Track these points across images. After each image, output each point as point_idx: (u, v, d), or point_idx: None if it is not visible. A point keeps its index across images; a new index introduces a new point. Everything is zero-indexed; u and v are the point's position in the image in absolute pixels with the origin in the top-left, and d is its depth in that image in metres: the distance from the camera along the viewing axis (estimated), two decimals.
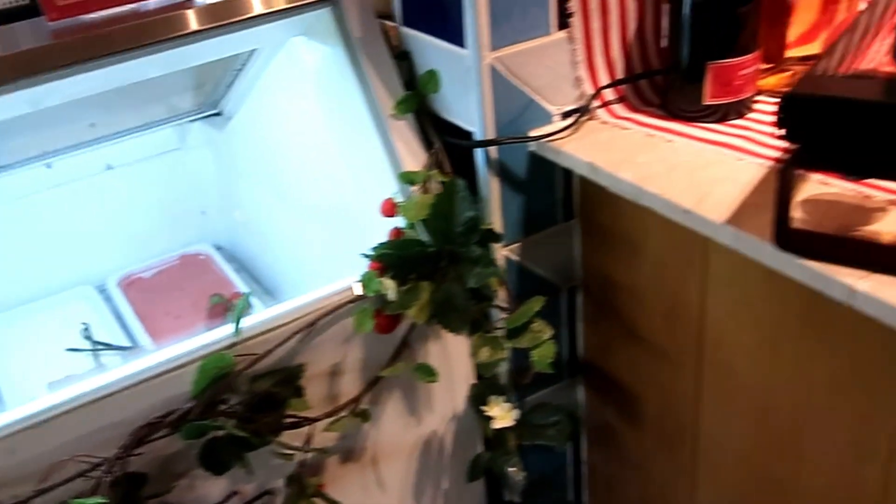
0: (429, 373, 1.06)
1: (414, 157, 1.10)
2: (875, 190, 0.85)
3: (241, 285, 1.53)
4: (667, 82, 1.06)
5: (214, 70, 1.40)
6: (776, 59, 1.08)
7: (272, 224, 1.51)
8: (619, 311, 1.14)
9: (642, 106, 1.09)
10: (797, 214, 0.85)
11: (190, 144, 1.59)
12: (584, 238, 1.16)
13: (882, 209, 0.84)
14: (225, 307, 1.47)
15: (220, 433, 0.96)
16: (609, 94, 1.09)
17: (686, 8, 1.00)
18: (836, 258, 0.78)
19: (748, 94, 1.03)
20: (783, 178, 0.77)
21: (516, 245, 1.12)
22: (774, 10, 1.05)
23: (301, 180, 1.36)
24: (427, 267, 1.03)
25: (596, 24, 1.05)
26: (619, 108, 1.08)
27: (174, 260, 1.62)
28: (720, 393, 1.04)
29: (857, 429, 0.88)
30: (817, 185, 0.87)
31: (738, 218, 0.86)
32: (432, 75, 1.09)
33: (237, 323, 0.99)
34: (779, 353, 0.94)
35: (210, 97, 1.51)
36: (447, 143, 1.09)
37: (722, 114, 1.03)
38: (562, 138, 1.04)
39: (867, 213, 0.84)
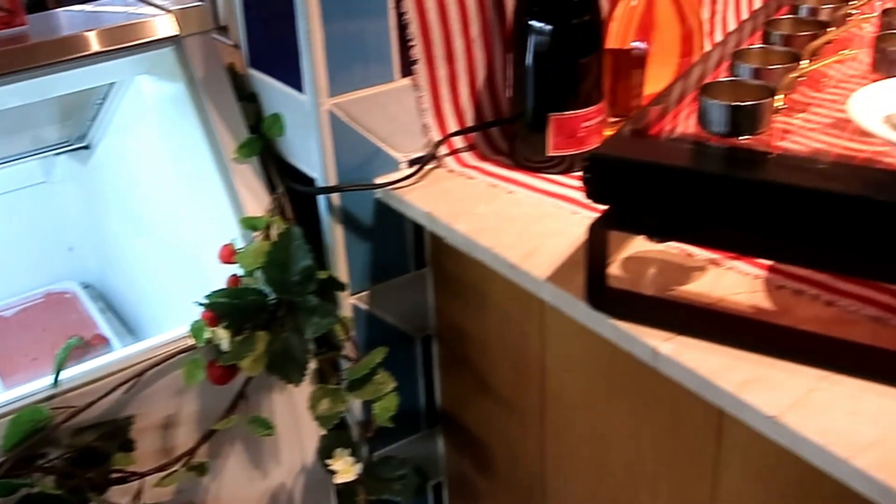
0: (264, 426, 1.05)
1: (258, 202, 1.09)
2: (698, 248, 0.86)
3: (104, 326, 1.49)
4: (513, 132, 1.07)
5: (78, 102, 1.38)
6: (626, 112, 1.09)
7: (136, 262, 1.49)
8: (471, 361, 1.14)
9: (492, 154, 1.10)
10: (619, 272, 0.86)
11: (56, 178, 1.55)
12: (436, 286, 1.16)
13: (701, 268, 0.85)
14: (83, 350, 1.43)
15: (33, 490, 0.93)
16: (459, 142, 1.09)
17: (528, 58, 1.01)
18: (647, 319, 0.79)
19: (592, 146, 1.04)
20: (591, 239, 0.78)
21: (365, 293, 1.11)
22: (620, 63, 1.07)
23: (156, 219, 1.34)
24: (264, 316, 1.02)
25: (442, 72, 1.05)
26: (468, 157, 1.09)
27: (38, 298, 1.58)
28: (562, 448, 1.04)
29: (683, 487, 0.89)
30: (644, 242, 0.88)
31: (560, 274, 0.86)
32: (276, 119, 1.08)
33: (56, 374, 0.97)
34: (611, 410, 0.94)
35: (77, 130, 1.48)
36: (290, 189, 1.08)
37: (566, 165, 1.04)
38: (406, 186, 1.04)
39: (687, 272, 0.85)
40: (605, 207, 0.77)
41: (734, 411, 0.71)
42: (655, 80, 1.08)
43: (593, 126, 1.03)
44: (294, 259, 1.00)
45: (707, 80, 0.83)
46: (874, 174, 0.69)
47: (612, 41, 1.06)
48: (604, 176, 0.75)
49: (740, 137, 0.75)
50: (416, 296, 1.16)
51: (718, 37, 1.24)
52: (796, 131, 0.77)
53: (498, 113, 1.10)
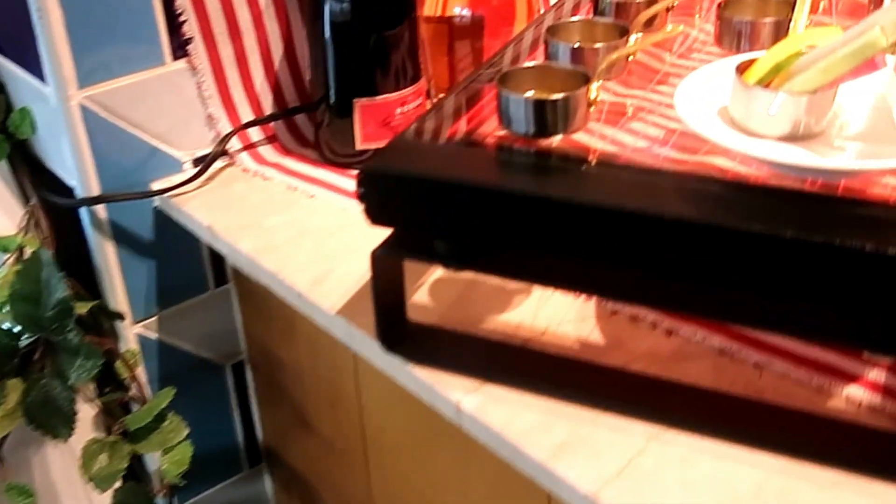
0: (24, 494, 0.91)
1: (9, 216, 0.94)
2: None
3: None
4: (317, 121, 0.93)
5: None
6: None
7: None
8: (289, 393, 1.02)
9: (298, 147, 0.96)
10: (426, 299, 0.74)
11: None
12: (241, 306, 1.02)
13: (524, 291, 0.74)
14: None
15: None
16: (256, 134, 0.95)
17: (326, 31, 0.87)
18: (453, 362, 0.67)
19: None
20: (376, 269, 0.65)
21: (153, 320, 0.98)
22: (441, 34, 0.94)
23: None
24: (15, 361, 0.88)
25: (227, 51, 0.91)
26: (266, 152, 0.95)
27: None
28: (391, 490, 0.92)
29: None
30: None
31: (353, 306, 0.74)
32: (24, 115, 0.92)
33: None
34: (436, 454, 0.83)
35: None
36: (46, 201, 0.93)
37: None
38: (187, 192, 0.90)
39: (508, 295, 0.74)
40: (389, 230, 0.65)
41: (548, 485, 0.60)
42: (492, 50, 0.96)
43: (410, 111, 0.90)
44: (47, 290, 0.86)
45: (518, 64, 0.72)
46: (704, 187, 0.58)
47: (429, 7, 0.94)
48: (381, 194, 0.63)
49: (548, 138, 0.63)
50: (219, 317, 1.02)
51: None
52: (618, 128, 0.66)
53: (304, 97, 0.97)
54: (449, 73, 0.97)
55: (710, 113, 0.62)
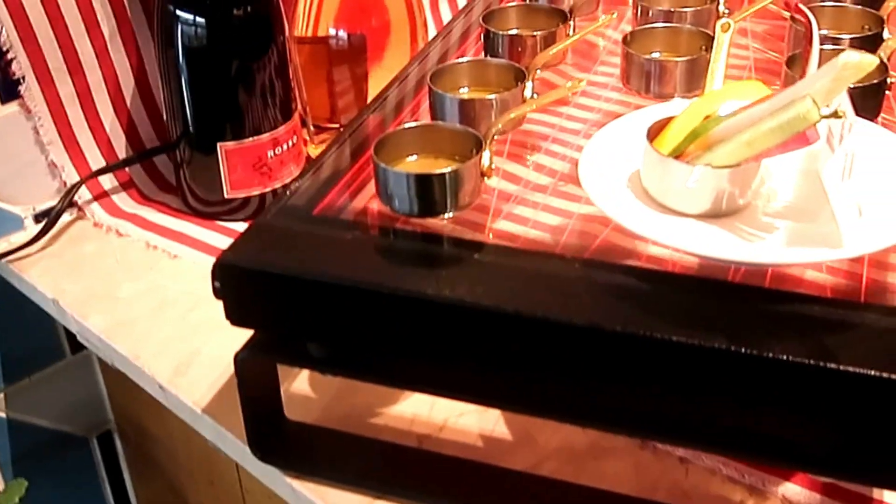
0: None
1: None
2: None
3: None
4: (178, 165, 0.84)
5: None
6: (337, 119, 0.89)
7: None
8: (163, 468, 0.93)
9: (159, 194, 0.87)
10: (304, 389, 0.67)
11: None
12: (104, 372, 0.93)
13: None
14: None
15: None
16: (109, 181, 0.86)
17: (180, 60, 0.78)
18: (336, 471, 0.60)
19: (289, 179, 0.83)
20: (241, 373, 0.58)
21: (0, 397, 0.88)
22: (317, 57, 0.86)
23: None
24: None
25: (67, 89, 0.81)
26: (122, 201, 0.86)
27: None
28: None
29: None
30: None
31: (227, 399, 0.66)
32: None
33: None
34: None
35: None
36: None
37: (254, 209, 0.83)
38: (29, 255, 0.81)
39: None
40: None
41: None
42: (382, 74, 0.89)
43: (286, 151, 0.82)
44: None
45: (401, 114, 0.64)
46: (612, 279, 0.51)
47: (300, 27, 0.85)
48: (240, 291, 0.55)
49: (435, 217, 0.56)
50: (80, 386, 0.93)
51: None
52: (515, 203, 0.59)
53: (163, 136, 0.88)
54: (329, 101, 0.88)
55: (619, 184, 0.55)
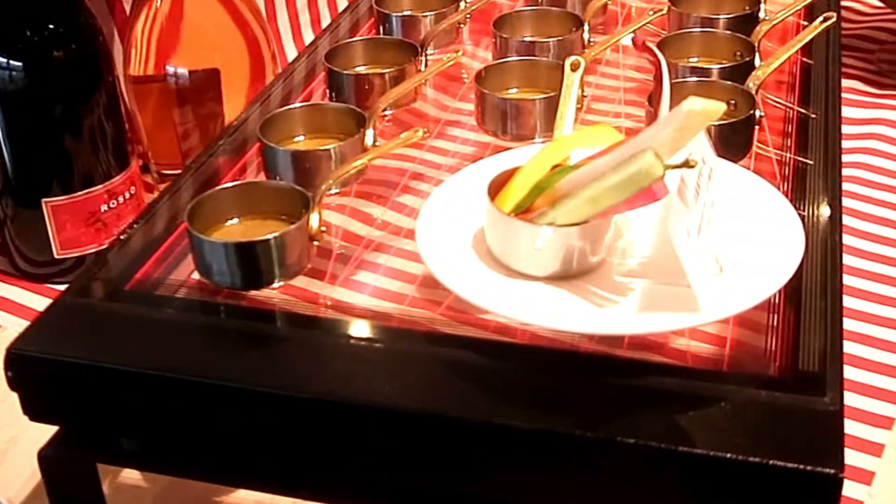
0: None
1: None
2: None
3: None
4: (2, 223, 0.79)
5: None
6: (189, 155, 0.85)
7: None
8: None
9: None
10: (135, 476, 0.62)
11: None
12: None
13: None
14: None
15: None
16: None
17: None
18: None
19: (126, 233, 0.78)
20: (46, 472, 0.53)
21: None
22: (161, 96, 0.82)
23: None
24: None
25: None
26: None
27: None
28: None
29: None
30: None
31: (43, 494, 0.61)
32: None
33: None
34: None
35: None
36: None
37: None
38: None
39: None
40: None
41: None
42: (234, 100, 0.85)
43: (123, 203, 0.78)
44: None
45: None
46: (456, 355, 0.48)
47: (136, 64, 0.81)
48: (38, 384, 0.51)
49: (260, 289, 0.52)
50: None
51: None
52: (353, 266, 0.56)
53: None
54: (177, 144, 0.84)
55: (461, 246, 0.52)
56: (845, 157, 0.72)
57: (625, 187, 0.46)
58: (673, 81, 0.58)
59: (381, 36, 0.75)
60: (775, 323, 0.50)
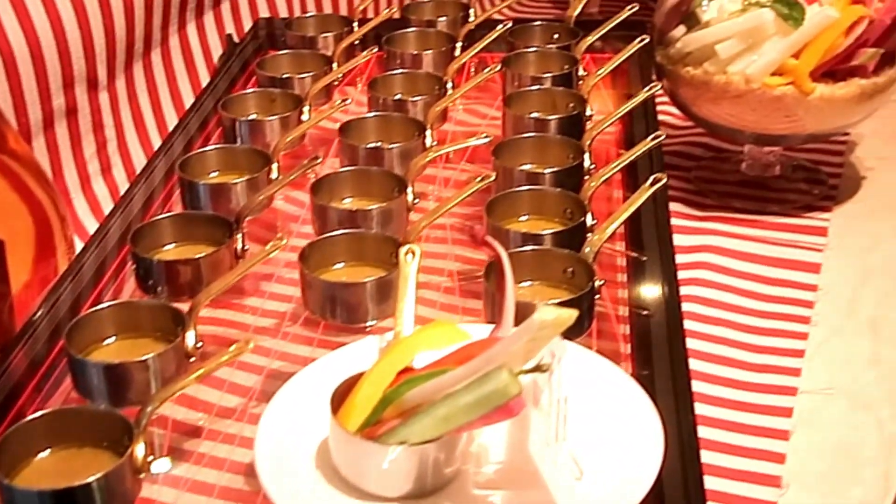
0: None
1: None
2: None
3: None
4: None
5: None
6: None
7: None
8: None
9: None
10: None
11: None
12: None
13: None
14: None
15: None
16: None
17: None
18: None
19: None
20: None
21: None
22: None
23: None
24: None
25: None
26: None
27: None
28: None
29: None
30: None
31: None
32: None
33: None
34: None
35: None
36: None
37: None
38: None
39: None
40: None
41: None
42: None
43: None
44: None
45: None
46: None
47: None
48: None
49: None
50: None
51: None
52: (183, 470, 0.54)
53: None
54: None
55: (304, 464, 0.52)
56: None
57: (480, 406, 0.47)
58: (509, 251, 0.60)
59: (190, 211, 0.75)
60: None
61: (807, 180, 0.95)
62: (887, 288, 0.82)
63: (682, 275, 0.82)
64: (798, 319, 0.78)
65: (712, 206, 0.94)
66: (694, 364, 0.74)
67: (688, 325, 0.77)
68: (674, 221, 0.90)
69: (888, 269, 0.85)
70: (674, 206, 0.93)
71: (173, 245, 0.70)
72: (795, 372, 0.73)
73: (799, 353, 0.75)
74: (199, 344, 0.59)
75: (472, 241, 0.59)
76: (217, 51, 1.07)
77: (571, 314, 0.47)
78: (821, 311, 0.79)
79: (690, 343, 0.75)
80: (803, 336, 0.77)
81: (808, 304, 0.80)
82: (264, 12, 1.13)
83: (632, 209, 0.66)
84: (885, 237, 0.89)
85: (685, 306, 0.78)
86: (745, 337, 0.76)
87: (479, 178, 0.66)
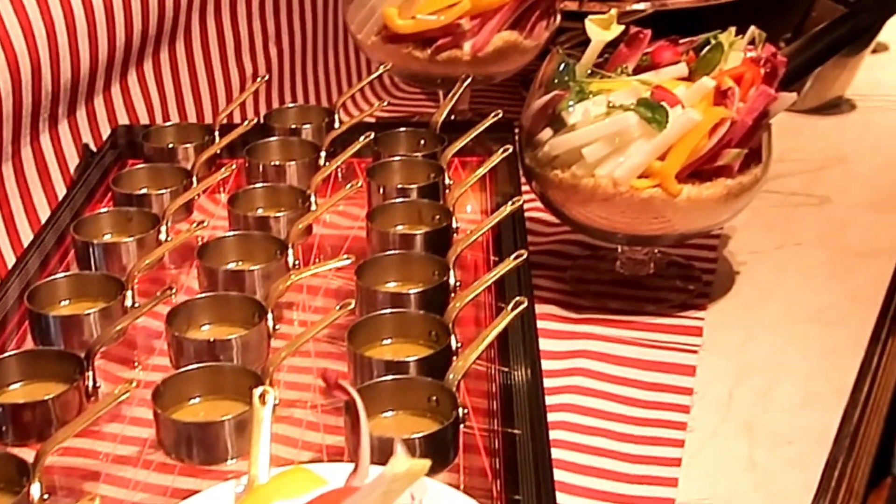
0: None
1: None
2: None
3: None
4: None
5: None
6: None
7: None
8: None
9: None
10: None
11: None
12: None
13: None
14: None
15: None
16: None
17: None
18: None
19: None
20: None
21: None
22: None
23: None
24: None
25: None
26: None
27: None
28: None
29: None
30: None
31: None
32: None
33: None
34: None
35: None
36: None
37: None
38: None
39: None
40: None
41: None
42: None
43: None
44: None
45: None
46: None
47: None
48: None
49: None
50: None
51: None
52: None
53: None
54: None
55: None
56: (550, 400, 0.77)
57: None
58: (365, 384, 0.60)
59: (37, 348, 0.74)
60: None
61: (681, 277, 0.98)
62: (762, 387, 0.85)
63: (556, 383, 0.84)
64: (674, 426, 0.80)
65: (587, 307, 0.95)
66: (569, 478, 0.75)
67: (562, 436, 0.78)
68: (548, 325, 0.92)
69: (763, 367, 0.87)
70: (548, 309, 0.94)
71: (20, 384, 0.68)
72: (672, 482, 0.74)
73: (676, 462, 0.76)
74: (46, 496, 0.58)
75: (326, 385, 0.59)
76: (74, 161, 1.06)
77: (424, 465, 0.47)
78: (696, 416, 0.81)
79: (565, 456, 0.76)
80: (680, 443, 0.78)
81: (685, 409, 0.82)
82: (123, 119, 1.11)
83: (494, 333, 0.67)
84: (760, 333, 0.91)
85: (559, 416, 0.80)
86: (621, 446, 0.78)
87: (338, 306, 0.67)
